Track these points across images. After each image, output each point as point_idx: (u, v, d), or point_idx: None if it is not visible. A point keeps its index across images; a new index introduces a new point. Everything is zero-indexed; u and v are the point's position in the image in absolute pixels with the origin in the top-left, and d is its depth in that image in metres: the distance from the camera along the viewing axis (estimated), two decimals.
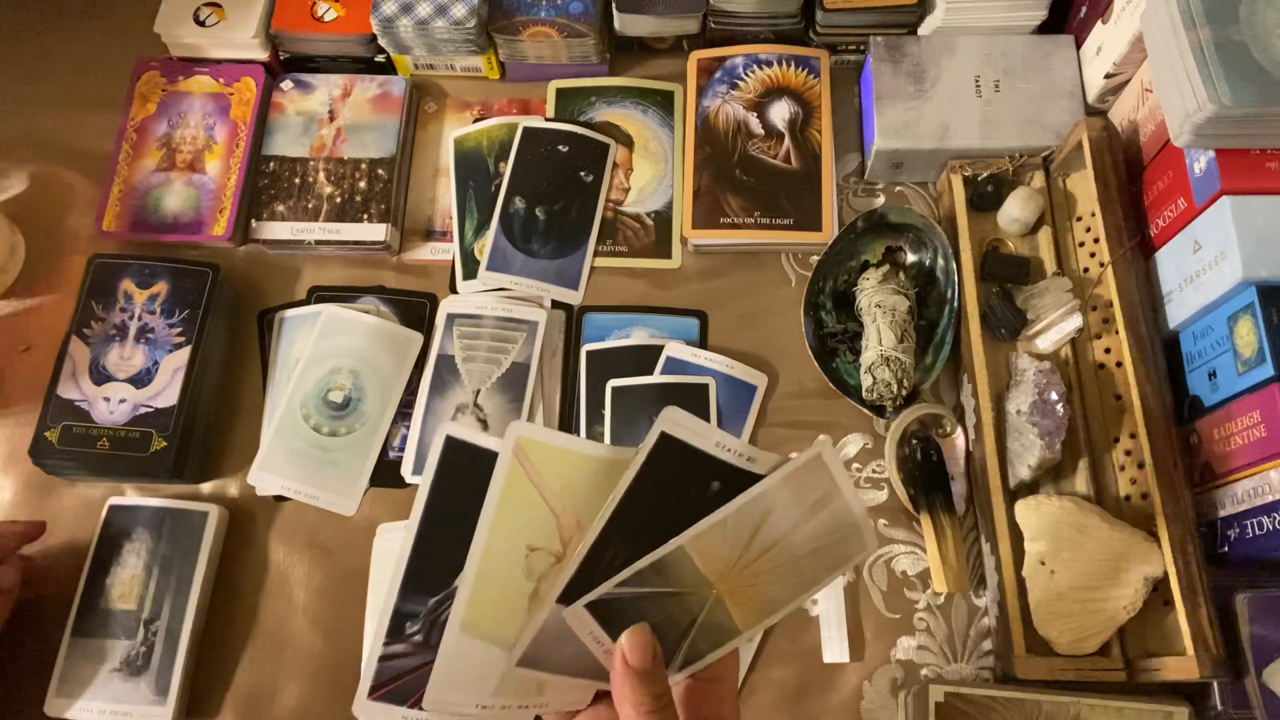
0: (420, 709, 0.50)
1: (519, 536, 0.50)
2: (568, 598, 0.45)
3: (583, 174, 0.82)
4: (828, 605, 0.70)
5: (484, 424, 0.74)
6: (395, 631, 0.53)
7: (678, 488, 0.47)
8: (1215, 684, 0.62)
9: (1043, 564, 0.64)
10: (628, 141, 0.84)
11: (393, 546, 0.71)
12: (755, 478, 0.47)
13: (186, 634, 0.67)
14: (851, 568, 0.48)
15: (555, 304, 0.79)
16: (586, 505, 0.48)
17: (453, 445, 0.51)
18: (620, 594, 0.45)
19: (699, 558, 0.46)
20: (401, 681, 0.53)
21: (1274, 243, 0.62)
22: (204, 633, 0.70)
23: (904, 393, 0.71)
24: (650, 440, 0.46)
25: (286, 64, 0.86)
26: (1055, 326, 0.71)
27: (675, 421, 0.46)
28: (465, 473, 0.51)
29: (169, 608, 0.68)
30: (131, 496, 0.73)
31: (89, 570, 0.69)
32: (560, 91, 0.86)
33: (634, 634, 0.45)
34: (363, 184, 0.80)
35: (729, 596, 0.47)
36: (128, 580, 0.69)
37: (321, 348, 0.75)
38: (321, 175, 0.81)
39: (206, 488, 0.74)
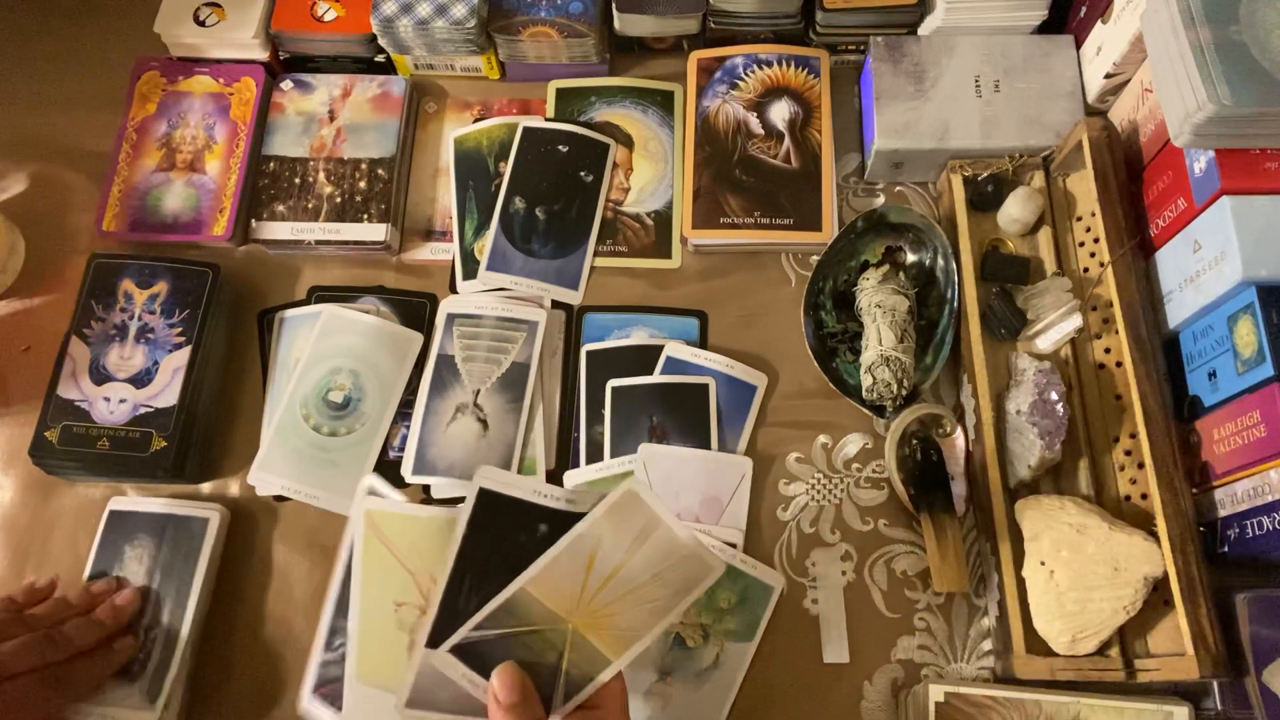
0: None
1: (385, 594, 0.58)
2: (433, 643, 0.51)
3: (583, 174, 0.82)
4: (828, 605, 0.70)
5: (484, 424, 0.74)
6: (329, 644, 0.59)
7: (508, 535, 0.53)
8: (1215, 684, 0.62)
9: (1043, 564, 0.64)
10: (628, 141, 0.84)
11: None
12: (578, 517, 0.53)
13: (184, 640, 0.67)
14: (704, 589, 0.54)
15: (555, 304, 0.79)
16: (436, 561, 0.55)
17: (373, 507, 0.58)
18: (481, 637, 0.51)
19: (543, 596, 0.51)
20: (336, 685, 0.58)
21: (1274, 243, 0.62)
22: (204, 634, 0.70)
23: (904, 393, 0.71)
24: (470, 498, 0.53)
25: (286, 64, 0.86)
26: (1055, 326, 0.71)
27: (489, 477, 0.54)
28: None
29: (168, 614, 0.68)
30: (132, 498, 0.73)
31: (89, 578, 0.69)
32: (560, 91, 0.86)
33: (501, 672, 0.50)
34: (363, 184, 0.80)
35: (586, 630, 0.52)
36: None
37: (321, 348, 0.75)
38: (321, 175, 0.81)
39: (206, 488, 0.74)
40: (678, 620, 0.54)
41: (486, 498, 0.54)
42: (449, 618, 0.51)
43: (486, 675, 0.50)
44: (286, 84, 0.84)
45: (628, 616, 0.52)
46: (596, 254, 0.80)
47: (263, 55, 0.84)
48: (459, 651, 0.51)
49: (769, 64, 0.83)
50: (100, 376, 0.73)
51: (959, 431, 0.73)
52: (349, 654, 0.57)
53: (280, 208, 0.80)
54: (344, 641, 0.58)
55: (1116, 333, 0.69)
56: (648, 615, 0.52)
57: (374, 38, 0.82)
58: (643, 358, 0.76)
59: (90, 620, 0.63)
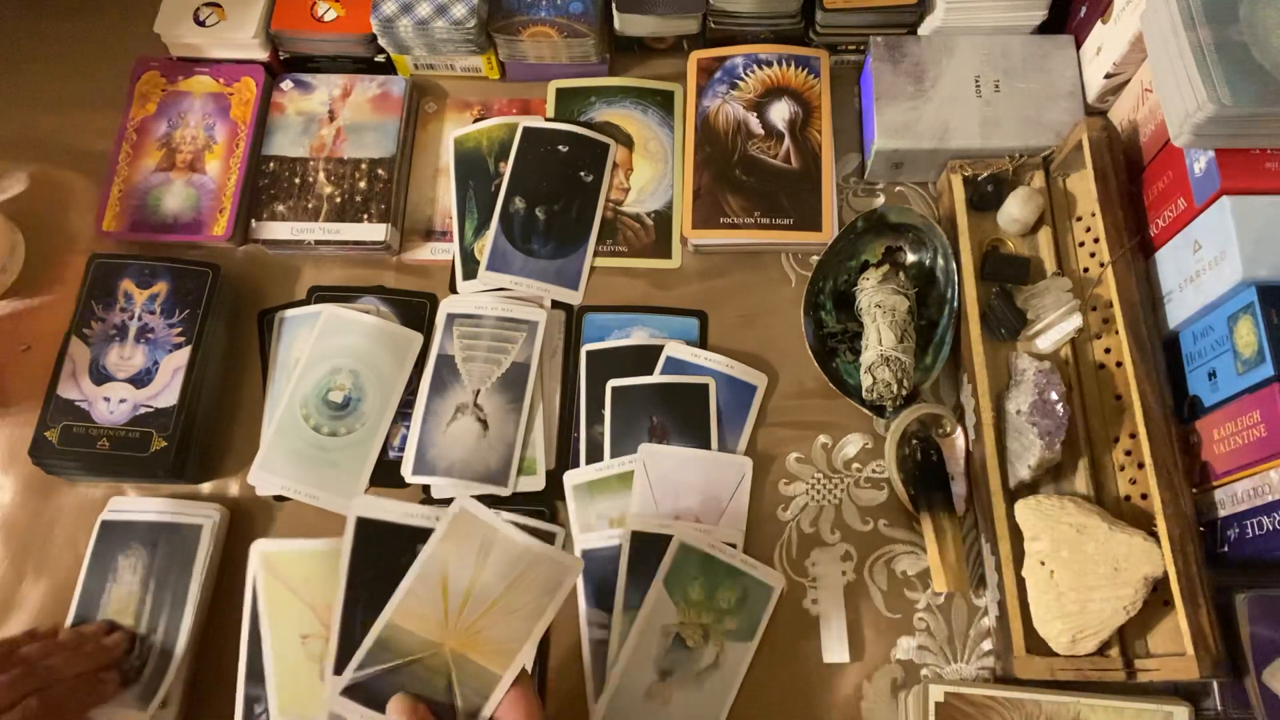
0: None
1: (292, 628, 0.63)
2: (338, 670, 0.54)
3: (583, 174, 0.82)
4: (828, 605, 0.70)
5: (484, 424, 0.74)
6: (248, 678, 0.64)
7: (392, 559, 0.56)
8: (1215, 684, 0.62)
9: (1043, 564, 0.64)
10: (628, 141, 0.84)
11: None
12: None
13: (182, 645, 0.67)
14: (569, 587, 0.56)
15: (555, 304, 0.79)
16: (331, 591, 0.59)
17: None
18: (369, 675, 0.53)
19: (411, 625, 0.53)
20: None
21: (1274, 243, 0.62)
22: (203, 634, 0.69)
23: (904, 393, 0.71)
24: (349, 527, 0.57)
25: (286, 64, 0.86)
26: (1055, 326, 0.71)
27: (364, 506, 0.58)
28: None
29: (165, 621, 0.67)
30: (123, 505, 0.72)
31: (82, 587, 0.68)
32: (560, 91, 0.86)
33: (395, 703, 0.52)
34: (363, 184, 0.80)
35: (466, 649, 0.53)
36: (124, 597, 0.68)
37: (321, 348, 0.75)
38: (321, 175, 0.81)
39: (206, 488, 0.74)
40: (549, 621, 0.55)
41: (364, 526, 0.57)
42: (348, 646, 0.54)
43: (383, 710, 0.52)
44: (286, 84, 0.84)
45: (501, 629, 0.53)
46: (596, 254, 0.80)
47: (263, 55, 0.84)
48: (352, 693, 0.53)
49: (769, 64, 0.83)
50: (100, 376, 0.73)
51: (959, 431, 0.73)
52: (269, 692, 0.61)
53: (280, 208, 0.80)
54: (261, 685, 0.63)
55: (1116, 333, 0.69)
56: (521, 623, 0.54)
57: (374, 38, 0.82)
58: (643, 358, 0.76)
59: (76, 653, 0.63)
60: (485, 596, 0.54)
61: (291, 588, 0.66)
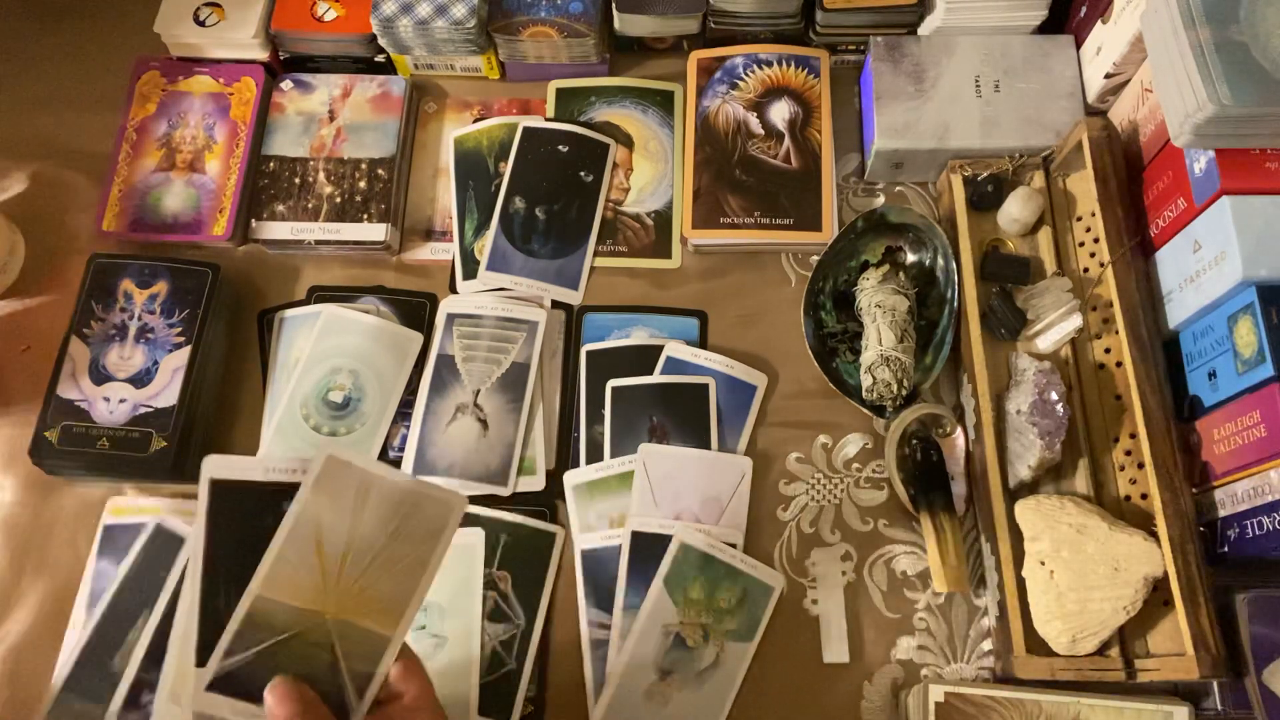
0: None
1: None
2: (201, 661, 0.46)
3: (583, 174, 0.82)
4: (828, 605, 0.70)
5: (484, 424, 0.74)
6: (132, 701, 0.56)
7: (256, 523, 0.48)
8: (1215, 684, 0.62)
9: (1043, 564, 0.64)
10: (628, 141, 0.84)
11: None
12: None
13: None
14: (454, 528, 0.49)
15: (555, 304, 0.79)
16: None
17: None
18: (239, 662, 0.46)
19: (285, 596, 0.47)
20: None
21: (1274, 243, 0.62)
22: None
23: (904, 393, 0.71)
24: (202, 494, 0.48)
25: (286, 64, 0.86)
26: (1055, 326, 0.71)
27: (217, 465, 0.49)
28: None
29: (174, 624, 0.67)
30: (127, 509, 0.72)
31: (90, 589, 0.69)
32: (560, 91, 0.86)
33: (272, 689, 0.45)
34: (363, 184, 0.80)
35: (350, 614, 0.47)
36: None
37: (321, 348, 0.75)
38: (321, 175, 0.81)
39: None
40: (436, 571, 0.49)
41: (219, 489, 0.49)
42: (211, 632, 0.47)
43: (261, 701, 0.46)
44: (286, 84, 0.84)
45: (386, 584, 0.48)
46: (596, 254, 0.80)
47: (263, 55, 0.84)
48: (221, 685, 0.46)
49: (769, 64, 0.83)
50: (100, 376, 0.73)
51: (959, 431, 0.73)
52: (164, 671, 0.54)
53: (280, 208, 0.80)
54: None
55: (1116, 333, 0.69)
56: (407, 576, 0.48)
57: (374, 38, 0.82)
58: (643, 358, 0.76)
59: None
60: (366, 551, 0.48)
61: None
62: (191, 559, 0.48)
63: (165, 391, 0.72)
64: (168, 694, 0.51)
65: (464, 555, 0.70)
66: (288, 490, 0.48)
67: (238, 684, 0.46)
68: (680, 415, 0.74)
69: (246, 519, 0.48)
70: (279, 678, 0.46)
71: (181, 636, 0.49)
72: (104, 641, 0.61)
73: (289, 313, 0.78)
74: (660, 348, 0.76)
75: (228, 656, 0.46)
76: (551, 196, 0.81)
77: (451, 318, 0.77)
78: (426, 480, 0.49)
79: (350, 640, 0.47)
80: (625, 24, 0.83)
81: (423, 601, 0.48)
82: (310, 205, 0.80)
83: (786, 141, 0.81)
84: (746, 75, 0.83)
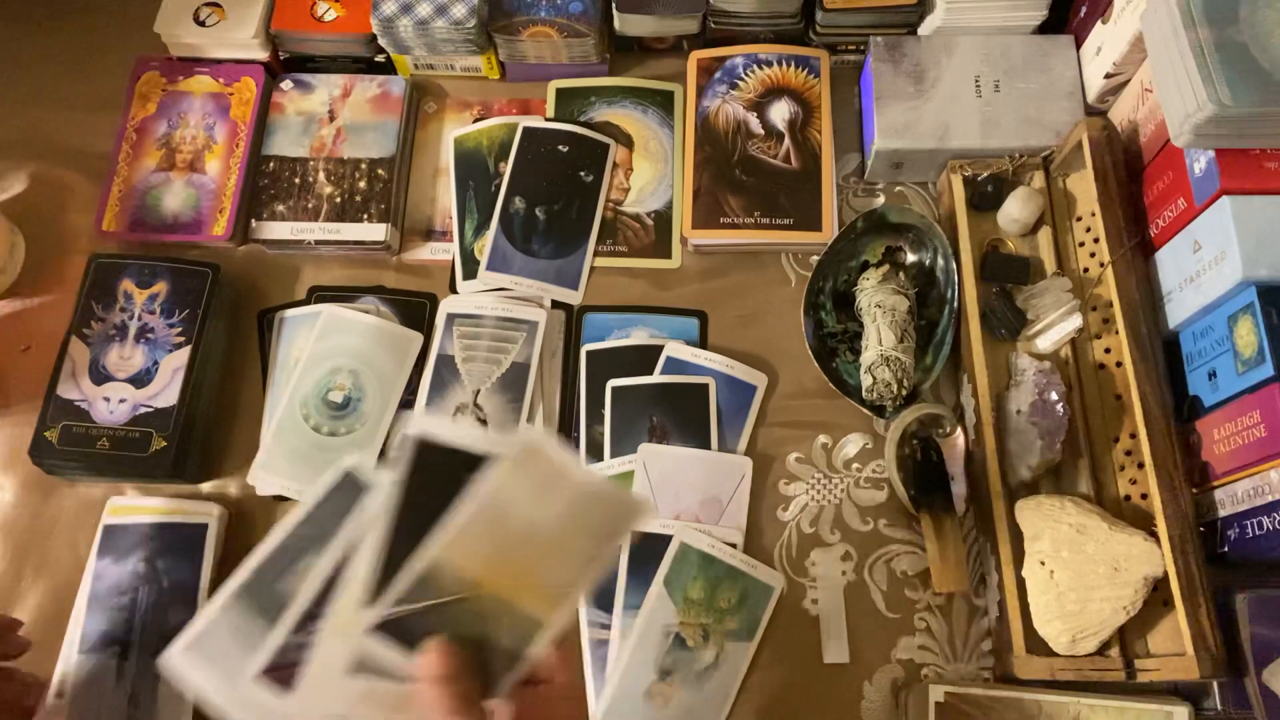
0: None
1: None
2: (371, 599, 0.48)
3: (583, 174, 0.82)
4: (828, 605, 0.70)
5: (484, 424, 0.74)
6: (301, 627, 0.53)
7: (448, 487, 0.48)
8: (1215, 684, 0.62)
9: (1043, 564, 0.64)
10: (628, 141, 0.84)
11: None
12: None
13: None
14: (631, 531, 0.50)
15: (555, 304, 0.79)
16: None
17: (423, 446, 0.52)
18: (402, 611, 0.47)
19: (459, 561, 0.48)
20: (288, 672, 0.52)
21: (1274, 243, 0.62)
22: None
23: (904, 393, 0.71)
24: (406, 447, 0.49)
25: (286, 64, 0.86)
26: (1055, 326, 0.71)
27: (426, 424, 0.50)
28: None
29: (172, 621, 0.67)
30: (127, 508, 0.72)
31: (90, 589, 0.68)
32: (560, 91, 0.86)
33: (428, 647, 0.46)
34: (363, 184, 0.80)
35: (511, 593, 0.48)
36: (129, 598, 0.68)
37: (321, 348, 0.75)
38: (321, 175, 0.81)
39: (206, 488, 0.74)
40: (605, 567, 0.50)
41: (422, 446, 0.50)
42: (388, 576, 0.48)
43: (416, 653, 0.47)
44: (286, 84, 0.84)
45: (553, 572, 0.48)
46: (596, 254, 0.80)
47: (263, 55, 0.84)
48: (384, 629, 0.47)
49: (769, 64, 0.83)
50: (100, 376, 0.73)
51: (959, 431, 0.73)
52: (333, 606, 0.52)
53: (280, 208, 0.80)
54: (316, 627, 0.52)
55: (1116, 333, 0.69)
56: (576, 567, 0.48)
57: (374, 38, 0.82)
58: (643, 358, 0.76)
59: None
60: (543, 536, 0.48)
61: None
62: (383, 508, 0.49)
63: (165, 391, 0.72)
64: (333, 627, 0.51)
65: None
66: (485, 463, 0.49)
67: (398, 632, 0.47)
68: (680, 415, 0.74)
69: (441, 481, 0.49)
70: (437, 637, 0.47)
71: (357, 577, 0.50)
72: (277, 564, 0.61)
73: (289, 313, 0.78)
74: (660, 348, 0.76)
75: (396, 605, 0.47)
76: (551, 196, 0.81)
77: (451, 318, 0.77)
78: (619, 486, 0.50)
79: (507, 618, 0.48)
80: (625, 24, 0.83)
81: (585, 593, 0.49)
82: (310, 205, 0.80)
83: (786, 141, 0.81)
84: (746, 75, 0.83)
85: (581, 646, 0.69)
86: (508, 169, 0.81)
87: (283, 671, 0.51)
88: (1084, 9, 0.78)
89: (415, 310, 0.79)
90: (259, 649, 0.50)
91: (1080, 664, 0.63)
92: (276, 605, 0.54)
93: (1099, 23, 0.75)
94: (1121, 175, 0.73)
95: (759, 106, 0.82)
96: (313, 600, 0.53)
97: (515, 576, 0.48)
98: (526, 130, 0.82)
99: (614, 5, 0.81)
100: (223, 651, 0.51)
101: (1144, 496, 0.67)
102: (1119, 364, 0.70)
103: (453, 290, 0.80)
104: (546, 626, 0.48)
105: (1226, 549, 0.64)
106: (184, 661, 0.51)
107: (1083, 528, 0.64)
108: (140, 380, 0.73)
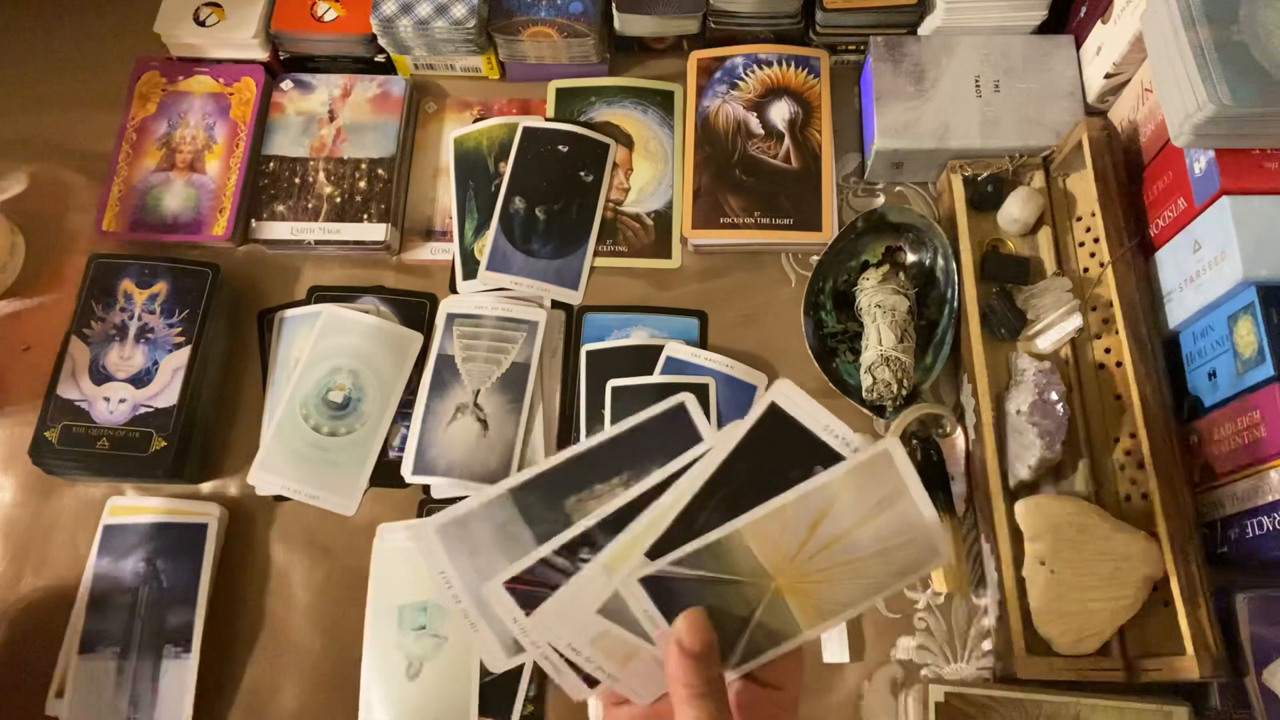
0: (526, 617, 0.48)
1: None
2: (654, 554, 0.45)
3: (583, 174, 0.82)
4: None
5: (484, 424, 0.74)
6: (570, 549, 0.50)
7: (779, 464, 0.46)
8: (1215, 684, 0.62)
9: (1043, 564, 0.64)
10: (628, 141, 0.84)
11: (397, 546, 0.71)
12: None
13: (196, 644, 0.67)
14: (923, 574, 0.48)
15: (555, 304, 0.79)
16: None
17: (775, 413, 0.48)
18: (677, 574, 0.45)
19: (757, 545, 0.46)
20: (535, 589, 0.49)
21: (1274, 243, 0.62)
22: (204, 634, 0.69)
23: (904, 393, 0.71)
24: (759, 408, 0.47)
25: (286, 64, 0.86)
26: (1055, 326, 0.71)
27: (786, 395, 0.47)
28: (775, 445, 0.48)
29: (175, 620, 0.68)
30: (131, 497, 0.72)
31: (90, 589, 0.69)
32: (560, 91, 0.86)
33: (689, 617, 0.45)
34: (363, 184, 0.80)
35: (789, 592, 0.46)
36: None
37: (321, 348, 0.75)
38: (321, 175, 0.81)
39: (206, 488, 0.74)
40: (881, 599, 0.48)
41: (776, 416, 0.47)
42: (684, 530, 0.46)
43: (670, 615, 0.45)
44: (286, 84, 0.84)
45: (838, 588, 0.46)
46: (596, 254, 0.80)
47: (263, 55, 0.84)
48: (652, 584, 0.45)
49: (769, 64, 0.83)
50: (100, 376, 0.73)
51: (959, 431, 0.73)
52: (615, 541, 0.48)
53: (280, 208, 0.80)
54: (588, 558, 0.49)
55: (1116, 333, 0.69)
56: (859, 591, 0.46)
57: (374, 38, 0.82)
58: (643, 358, 0.76)
59: None
60: (849, 551, 0.46)
61: None
62: (705, 462, 0.47)
63: (165, 391, 0.72)
64: (605, 561, 0.48)
65: None
66: (828, 456, 0.47)
67: (664, 591, 0.46)
68: None
69: (776, 458, 0.47)
70: (699, 609, 0.45)
71: (649, 523, 0.47)
72: (569, 478, 0.58)
73: (289, 313, 0.78)
74: (660, 348, 0.76)
75: (676, 565, 0.45)
76: (551, 196, 0.81)
77: (451, 318, 0.77)
78: (937, 524, 0.47)
79: (772, 614, 0.46)
80: (625, 24, 0.83)
81: (849, 619, 0.47)
82: (310, 205, 0.80)
83: (786, 141, 0.81)
84: (746, 75, 0.83)
85: None
86: (508, 169, 0.81)
87: (531, 588, 0.48)
88: (1084, 9, 0.78)
89: (415, 310, 0.79)
90: (518, 555, 0.48)
91: (1080, 664, 0.63)
92: (555, 520, 0.51)
93: (1099, 23, 0.75)
94: (1121, 175, 0.73)
95: (759, 106, 0.82)
96: (594, 527, 0.50)
97: (802, 579, 0.46)
98: (526, 130, 0.82)
99: (614, 5, 0.81)
100: (482, 543, 0.49)
101: (1144, 496, 0.66)
102: (1119, 364, 0.70)
103: (453, 290, 0.80)
104: (801, 635, 0.46)
105: (1226, 549, 0.64)
106: (439, 537, 0.49)
107: (1083, 528, 0.64)
108: (140, 380, 0.73)
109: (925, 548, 0.46)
